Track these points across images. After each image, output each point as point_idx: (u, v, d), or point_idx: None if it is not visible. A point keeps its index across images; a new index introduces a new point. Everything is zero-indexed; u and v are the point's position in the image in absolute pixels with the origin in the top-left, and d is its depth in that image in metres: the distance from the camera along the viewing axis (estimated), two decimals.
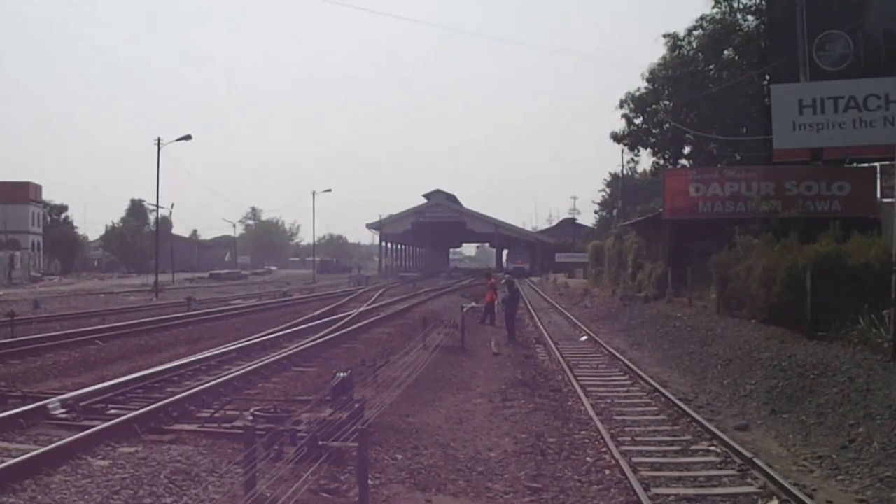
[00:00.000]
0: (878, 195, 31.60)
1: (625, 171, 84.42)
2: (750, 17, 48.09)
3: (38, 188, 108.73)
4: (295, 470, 9.40)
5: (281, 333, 27.63)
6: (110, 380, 17.39)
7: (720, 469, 12.33)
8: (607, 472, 12.07)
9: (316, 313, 37.51)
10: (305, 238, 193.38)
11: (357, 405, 12.22)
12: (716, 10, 48.54)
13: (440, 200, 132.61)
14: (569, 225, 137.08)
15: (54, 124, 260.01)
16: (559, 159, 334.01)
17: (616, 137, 52.75)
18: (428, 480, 11.16)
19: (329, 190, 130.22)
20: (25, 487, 9.73)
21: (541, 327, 34.61)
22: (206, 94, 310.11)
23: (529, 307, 45.96)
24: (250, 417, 12.78)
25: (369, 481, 9.57)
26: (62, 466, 10.60)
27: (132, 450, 11.62)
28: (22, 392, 16.11)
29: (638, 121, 51.57)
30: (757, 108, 42.58)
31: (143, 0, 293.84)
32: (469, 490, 11.00)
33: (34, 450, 11.02)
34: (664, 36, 50.13)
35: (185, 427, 13.21)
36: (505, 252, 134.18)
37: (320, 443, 10.17)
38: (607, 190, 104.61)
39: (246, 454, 9.12)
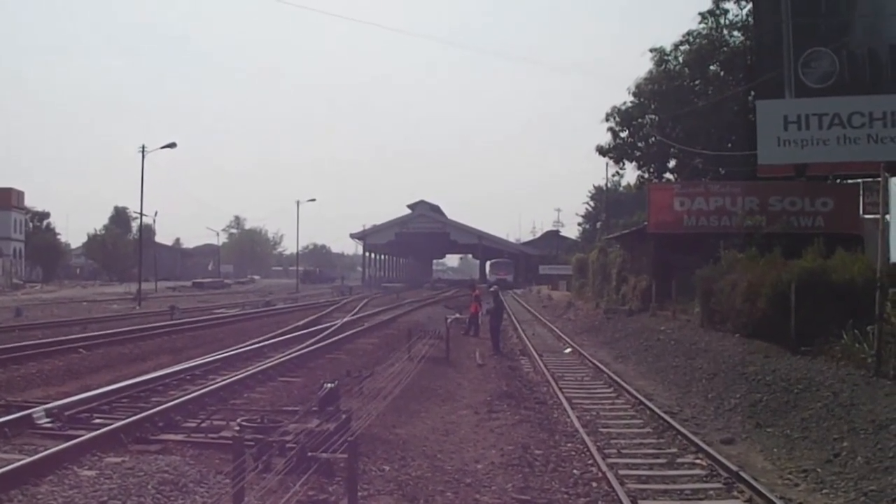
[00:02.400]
0: (861, 212, 31.78)
1: (609, 185, 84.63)
2: (736, 34, 48.34)
3: (20, 194, 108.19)
4: (283, 481, 9.40)
5: (265, 343, 27.59)
6: (95, 389, 17.32)
7: (706, 482, 12.37)
8: (594, 484, 12.10)
9: (300, 323, 37.48)
10: (289, 247, 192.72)
11: (344, 416, 12.23)
12: (702, 25, 48.80)
13: (424, 211, 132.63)
14: (553, 237, 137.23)
15: (38, 131, 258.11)
16: (544, 171, 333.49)
17: (601, 150, 52.78)
18: (416, 492, 11.16)
19: (313, 199, 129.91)
20: (12, 498, 9.72)
21: (525, 339, 34.64)
22: (191, 102, 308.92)
23: (513, 319, 45.96)
24: (237, 428, 12.76)
25: (357, 493, 9.59)
26: (48, 476, 10.58)
27: (119, 460, 11.61)
28: (6, 401, 16.06)
29: (623, 134, 51.62)
30: (742, 124, 42.72)
31: (136, 5, 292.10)
32: (457, 502, 11.00)
33: (20, 459, 11.00)
34: (651, 50, 50.31)
35: (172, 437, 13.19)
36: (488, 263, 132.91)
37: (309, 454, 10.17)
38: (591, 203, 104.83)
39: (235, 465, 9.10)
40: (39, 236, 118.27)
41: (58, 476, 10.67)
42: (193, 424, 14.20)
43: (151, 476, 10.78)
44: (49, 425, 13.76)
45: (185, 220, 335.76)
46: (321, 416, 12.44)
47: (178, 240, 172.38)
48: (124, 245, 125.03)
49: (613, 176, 75.84)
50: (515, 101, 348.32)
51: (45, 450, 11.59)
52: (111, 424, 13.35)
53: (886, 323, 17.91)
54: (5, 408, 15.14)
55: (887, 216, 19.47)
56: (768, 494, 11.23)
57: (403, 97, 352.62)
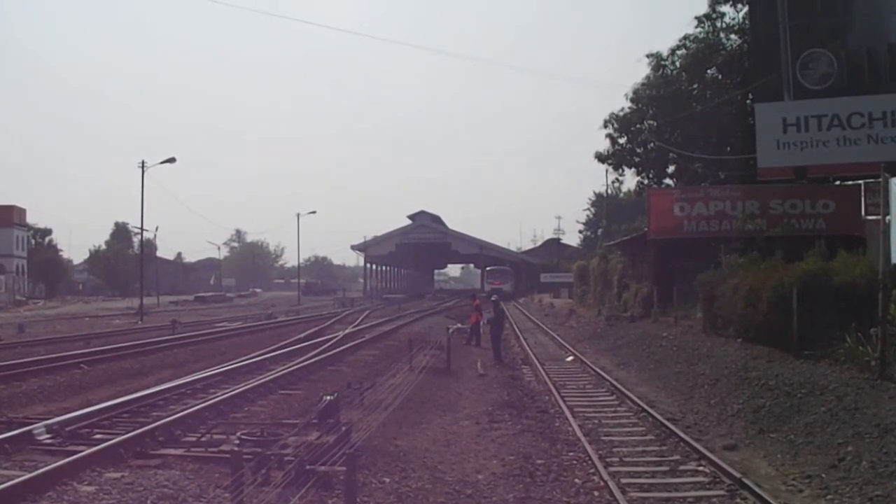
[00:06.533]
0: (863, 213, 31.65)
1: (609, 191, 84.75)
2: (733, 37, 48.19)
3: (22, 212, 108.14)
4: (282, 495, 9.33)
5: (266, 356, 27.54)
6: (96, 404, 17.29)
7: (709, 489, 12.26)
8: (596, 493, 12.00)
9: (301, 336, 37.38)
10: (290, 260, 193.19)
11: (344, 428, 12.17)
12: (699, 29, 48.64)
13: (425, 221, 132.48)
14: (553, 245, 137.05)
15: (38, 147, 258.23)
16: (544, 180, 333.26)
17: (600, 157, 52.69)
18: None
19: (314, 212, 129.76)
20: None
21: (527, 348, 34.56)
22: (190, 117, 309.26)
23: (515, 328, 45.93)
24: (237, 442, 12.72)
25: None
26: (48, 493, 10.57)
27: (119, 475, 11.57)
28: (7, 417, 16.04)
29: (622, 141, 51.52)
30: (741, 127, 42.63)
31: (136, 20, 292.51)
32: None
33: (20, 476, 10.95)
34: (648, 56, 50.23)
35: (172, 451, 13.14)
36: (488, 271, 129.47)
37: (308, 467, 10.10)
38: (592, 210, 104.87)
39: (233, 479, 9.06)
40: (41, 253, 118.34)
41: (57, 492, 10.65)
42: (193, 438, 14.16)
43: (150, 491, 10.75)
44: (49, 441, 13.71)
45: (187, 234, 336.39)
46: (321, 429, 12.37)
47: (179, 254, 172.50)
48: (126, 260, 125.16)
49: (613, 182, 76.18)
50: (515, 109, 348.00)
51: (45, 466, 11.54)
52: (111, 440, 13.29)
53: (890, 325, 17.83)
54: (6, 424, 15.10)
55: (888, 217, 19.39)
56: (772, 501, 11.16)
57: (403, 107, 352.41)
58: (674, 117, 46.65)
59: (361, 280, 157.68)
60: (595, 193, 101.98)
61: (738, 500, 11.68)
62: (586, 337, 40.23)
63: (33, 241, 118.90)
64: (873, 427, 14.18)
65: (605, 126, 51.52)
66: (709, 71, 48.99)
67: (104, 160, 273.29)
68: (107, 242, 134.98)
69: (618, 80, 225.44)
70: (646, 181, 52.76)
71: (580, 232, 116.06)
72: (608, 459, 14.12)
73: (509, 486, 12.20)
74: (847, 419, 15.12)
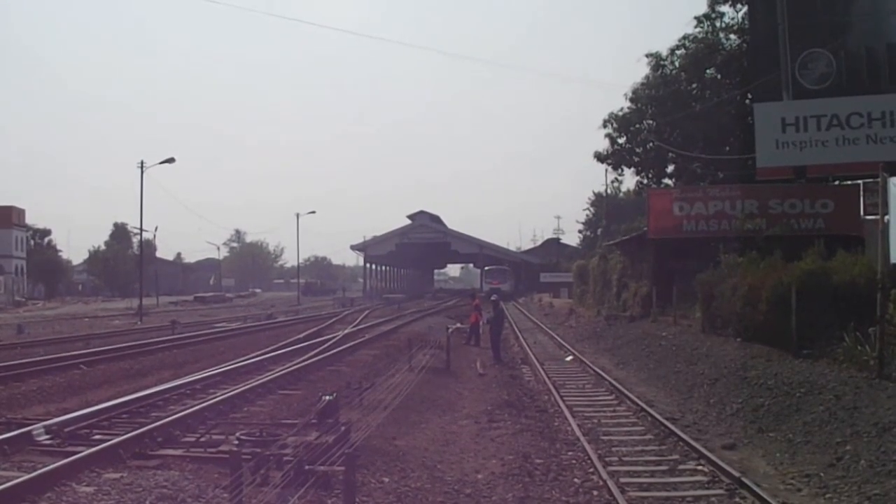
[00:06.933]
0: (862, 213, 31.65)
1: (609, 191, 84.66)
2: (732, 37, 48.16)
3: (21, 212, 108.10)
4: (281, 495, 9.33)
5: (266, 357, 27.52)
6: (95, 405, 17.26)
7: (708, 489, 12.28)
8: (595, 493, 12.02)
9: (300, 336, 37.34)
10: (290, 260, 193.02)
11: (343, 428, 12.15)
12: (698, 29, 48.61)
13: (424, 221, 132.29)
14: (553, 245, 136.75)
15: (39, 149, 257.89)
16: (545, 181, 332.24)
17: (599, 157, 52.63)
18: None
19: (313, 212, 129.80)
20: None
21: (526, 347, 34.57)
22: (190, 119, 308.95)
23: (514, 327, 45.92)
24: (236, 442, 12.70)
25: None
26: (47, 493, 10.56)
27: (117, 475, 11.57)
28: (6, 418, 16.00)
29: (621, 140, 51.43)
30: (740, 127, 42.67)
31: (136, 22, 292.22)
32: None
33: (19, 477, 10.95)
34: (647, 55, 50.14)
35: (171, 452, 13.14)
36: (486, 271, 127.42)
37: (307, 467, 10.09)
38: (591, 209, 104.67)
39: (232, 479, 9.05)
40: (41, 253, 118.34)
41: (56, 493, 10.65)
42: (192, 439, 14.16)
43: (149, 491, 10.76)
44: (48, 442, 13.71)
45: (186, 235, 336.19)
46: (320, 429, 12.36)
47: (179, 254, 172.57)
48: (125, 261, 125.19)
49: (613, 182, 76.09)
50: (517, 111, 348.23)
51: (44, 466, 11.54)
52: (110, 440, 13.29)
53: (888, 324, 17.83)
54: (5, 425, 15.07)
55: (887, 217, 19.41)
56: (770, 500, 11.17)
57: (403, 109, 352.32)
58: (673, 117, 46.61)
59: (361, 280, 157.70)
60: (595, 193, 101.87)
61: (737, 500, 11.70)
62: (586, 336, 40.24)
63: (32, 242, 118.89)
64: (872, 426, 14.19)
65: (605, 126, 51.48)
66: (708, 71, 48.93)
67: (104, 161, 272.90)
68: (106, 243, 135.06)
69: (621, 82, 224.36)
70: (645, 181, 52.72)
71: (580, 232, 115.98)
72: (607, 459, 14.15)
73: (508, 486, 12.21)
74: (845, 418, 15.13)
